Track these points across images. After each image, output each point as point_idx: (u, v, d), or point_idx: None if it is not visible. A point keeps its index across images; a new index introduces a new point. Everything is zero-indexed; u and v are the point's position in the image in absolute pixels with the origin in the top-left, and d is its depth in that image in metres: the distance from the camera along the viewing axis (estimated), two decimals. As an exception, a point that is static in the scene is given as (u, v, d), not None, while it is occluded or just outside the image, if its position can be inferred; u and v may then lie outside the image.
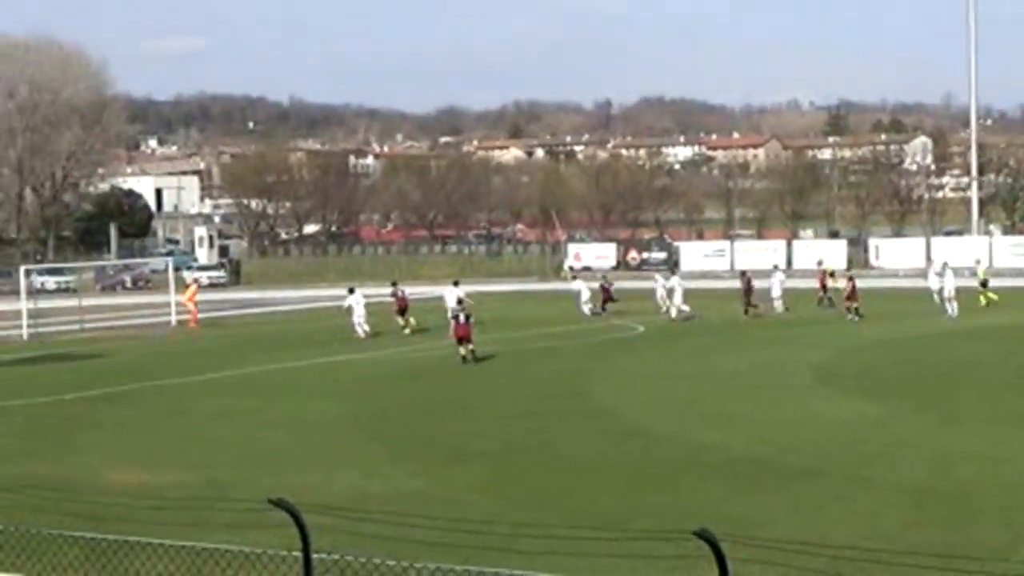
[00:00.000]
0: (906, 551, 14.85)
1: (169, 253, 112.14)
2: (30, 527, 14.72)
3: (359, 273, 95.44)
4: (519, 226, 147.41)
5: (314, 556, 10.22)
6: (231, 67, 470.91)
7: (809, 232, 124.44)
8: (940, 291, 57.63)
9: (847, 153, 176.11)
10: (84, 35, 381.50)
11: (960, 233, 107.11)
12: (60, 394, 37.59)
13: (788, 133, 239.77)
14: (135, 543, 16.16)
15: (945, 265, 59.18)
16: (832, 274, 64.25)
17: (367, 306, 54.79)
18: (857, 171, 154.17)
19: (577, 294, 63.69)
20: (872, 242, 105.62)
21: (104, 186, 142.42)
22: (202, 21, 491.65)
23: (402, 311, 56.14)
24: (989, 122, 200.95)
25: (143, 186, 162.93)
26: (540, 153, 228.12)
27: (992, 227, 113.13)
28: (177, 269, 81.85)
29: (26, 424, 32.23)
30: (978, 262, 65.62)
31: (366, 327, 53.54)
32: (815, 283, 64.15)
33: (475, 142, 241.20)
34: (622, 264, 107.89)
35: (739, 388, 34.85)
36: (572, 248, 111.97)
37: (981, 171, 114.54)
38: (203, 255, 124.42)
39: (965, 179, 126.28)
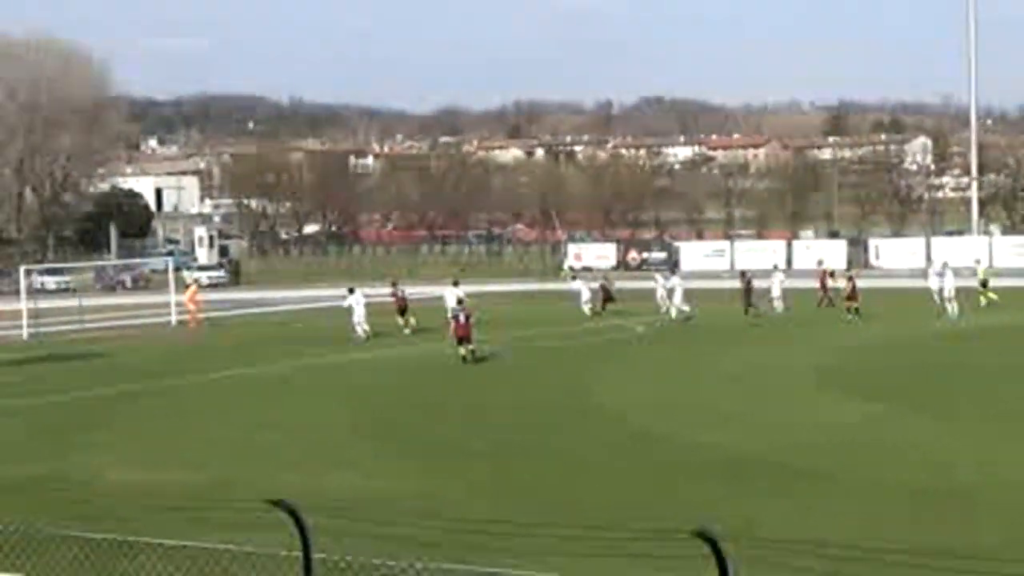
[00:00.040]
0: (907, 551, 14.84)
1: (169, 253, 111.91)
2: (30, 527, 14.73)
3: (359, 273, 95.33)
4: (519, 226, 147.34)
5: (315, 556, 10.22)
6: (231, 67, 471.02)
7: (809, 232, 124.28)
8: (940, 291, 57.59)
9: (847, 153, 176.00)
10: (85, 35, 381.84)
11: (960, 233, 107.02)
12: (60, 394, 37.59)
13: (788, 133, 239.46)
14: (135, 543, 16.17)
15: (945, 265, 59.13)
16: (832, 274, 64.21)
17: (367, 306, 54.77)
18: (857, 171, 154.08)
19: (577, 294, 63.80)
20: (872, 242, 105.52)
21: (104, 186, 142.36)
22: (202, 21, 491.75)
23: (402, 311, 56.17)
24: (989, 122, 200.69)
25: (143, 186, 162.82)
26: (540, 153, 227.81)
27: (992, 227, 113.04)
28: (177, 269, 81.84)
29: (26, 424, 32.24)
30: (978, 262, 65.58)
31: (366, 327, 53.51)
32: (815, 283, 64.11)
33: (475, 142, 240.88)
34: (622, 264, 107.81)
35: (739, 388, 34.85)
36: (572, 248, 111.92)
37: (981, 171, 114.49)
38: (203, 255, 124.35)
39: (965, 179, 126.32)
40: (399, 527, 15.02)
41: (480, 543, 13.99)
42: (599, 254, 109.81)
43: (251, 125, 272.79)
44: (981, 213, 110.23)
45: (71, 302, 70.52)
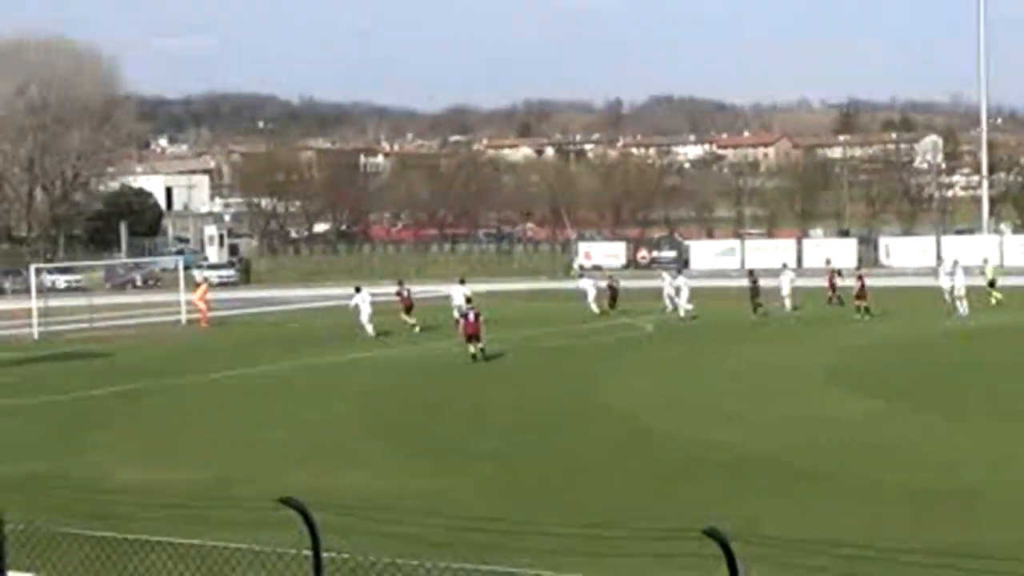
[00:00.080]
0: (914, 550, 14.85)
1: (179, 252, 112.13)
2: (40, 526, 14.76)
3: (369, 272, 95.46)
4: (529, 225, 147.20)
5: (324, 554, 10.24)
6: (241, 66, 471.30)
7: (819, 231, 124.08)
8: (951, 290, 57.51)
9: (857, 152, 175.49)
10: (95, 34, 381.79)
11: (971, 232, 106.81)
12: (69, 393, 37.65)
13: (798, 132, 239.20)
14: (144, 542, 16.20)
15: (956, 264, 59.02)
16: (839, 273, 64.16)
17: (374, 305, 54.94)
18: (867, 170, 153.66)
19: (584, 293, 63.89)
20: (882, 241, 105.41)
21: (114, 185, 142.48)
22: (212, 20, 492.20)
23: (408, 310, 56.38)
24: (999, 121, 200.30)
25: (153, 185, 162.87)
26: (550, 152, 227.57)
27: (1003, 226, 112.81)
28: (187, 268, 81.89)
29: (34, 423, 32.30)
30: (986, 261, 65.43)
31: (372, 326, 53.67)
32: (824, 282, 64.07)
33: (485, 141, 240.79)
34: (632, 263, 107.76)
35: (748, 387, 34.85)
36: (582, 247, 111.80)
37: (991, 170, 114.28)
38: (213, 254, 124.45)
39: (975, 178, 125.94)
40: (407, 526, 15.05)
41: (489, 542, 14.01)
42: (609, 253, 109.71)
43: (261, 124, 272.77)
44: (991, 212, 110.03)
45: (81, 301, 70.61)
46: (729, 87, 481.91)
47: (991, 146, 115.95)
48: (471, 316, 44.04)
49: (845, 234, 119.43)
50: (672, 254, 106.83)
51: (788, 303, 60.82)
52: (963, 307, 55.68)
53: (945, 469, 22.79)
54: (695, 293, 60.89)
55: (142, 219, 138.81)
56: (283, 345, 51.37)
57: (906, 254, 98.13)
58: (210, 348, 52.18)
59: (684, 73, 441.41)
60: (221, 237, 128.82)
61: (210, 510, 16.73)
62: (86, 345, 54.35)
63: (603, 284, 64.52)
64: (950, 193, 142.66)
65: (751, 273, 62.38)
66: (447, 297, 59.82)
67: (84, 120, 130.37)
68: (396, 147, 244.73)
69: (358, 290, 55.52)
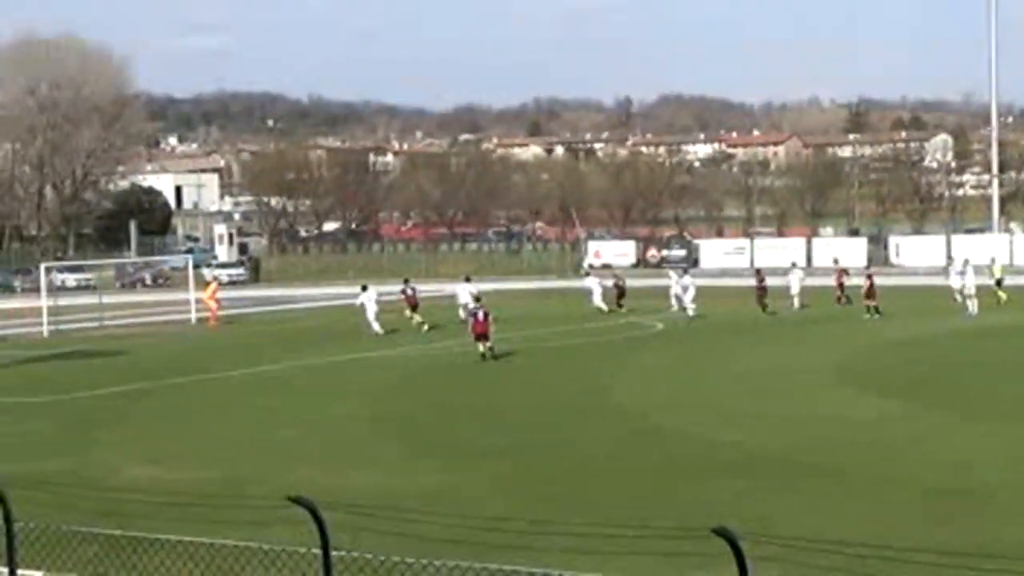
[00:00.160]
0: (928, 550, 14.80)
1: (189, 251, 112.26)
2: (50, 524, 14.75)
3: (379, 271, 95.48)
4: (538, 224, 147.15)
5: (333, 553, 10.22)
6: (251, 65, 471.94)
7: (829, 230, 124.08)
8: (961, 289, 57.43)
9: (867, 151, 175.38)
10: (105, 33, 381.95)
11: (981, 231, 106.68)
12: (79, 391, 37.68)
13: (808, 130, 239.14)
14: (154, 540, 16.19)
15: (966, 263, 58.92)
16: (846, 272, 64.14)
17: (381, 303, 55.14)
18: (877, 168, 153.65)
19: (589, 291, 63.99)
20: (892, 240, 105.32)
21: (124, 184, 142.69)
22: (222, 19, 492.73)
23: (413, 308, 56.67)
24: (1010, 119, 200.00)
25: (163, 184, 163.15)
26: (560, 151, 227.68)
27: (1013, 225, 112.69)
28: (197, 267, 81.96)
29: (45, 421, 32.32)
30: (993, 260, 65.33)
31: (379, 324, 53.86)
32: (832, 281, 64.02)
33: (495, 140, 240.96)
34: (642, 262, 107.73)
35: (758, 386, 34.81)
36: (592, 246, 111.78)
37: (1002, 169, 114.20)
38: (223, 252, 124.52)
39: (986, 177, 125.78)
40: (418, 524, 15.01)
41: (501, 541, 13.97)
42: (618, 252, 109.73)
43: (271, 123, 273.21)
44: (1002, 211, 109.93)
45: (91, 299, 70.68)
46: (739, 86, 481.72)
47: (1002, 145, 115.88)
48: (480, 315, 44.01)
49: (855, 233, 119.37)
50: (682, 253, 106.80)
51: (796, 302, 60.83)
52: (973, 306, 55.58)
53: (958, 468, 22.73)
54: (704, 292, 60.86)
55: (152, 218, 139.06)
56: (292, 344, 51.41)
57: (916, 253, 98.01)
58: (220, 347, 52.20)
59: (694, 72, 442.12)
60: (231, 236, 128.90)
61: (219, 509, 16.70)
62: (96, 344, 54.40)
63: (609, 283, 64.51)
64: (960, 192, 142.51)
65: (758, 272, 62.39)
66: (453, 296, 59.97)
67: (94, 119, 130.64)
68: (406, 146, 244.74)
69: (364, 288, 55.76)
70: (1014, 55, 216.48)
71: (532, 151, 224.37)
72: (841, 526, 18.00)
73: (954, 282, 59.34)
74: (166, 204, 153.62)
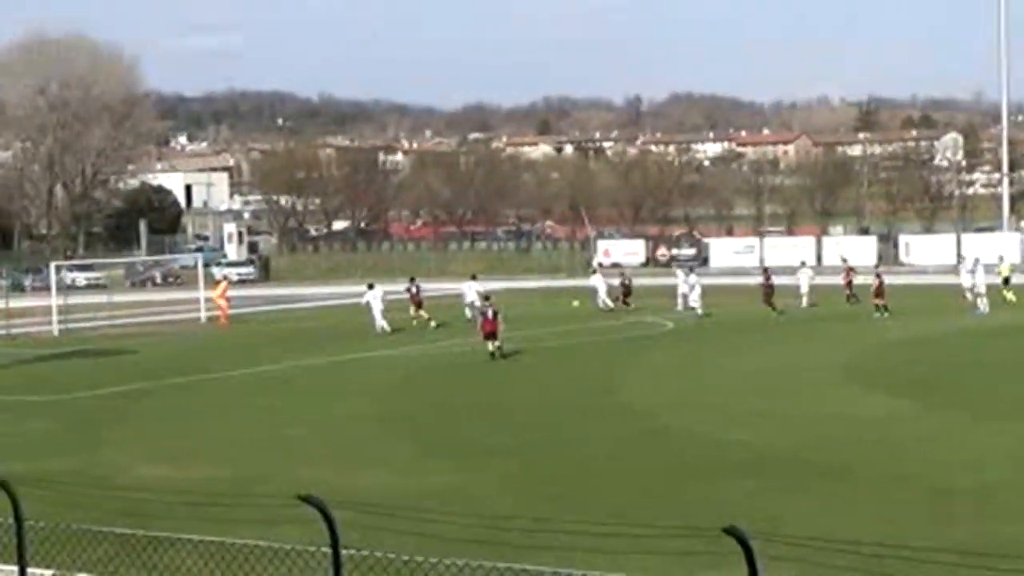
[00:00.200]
0: (940, 549, 14.77)
1: (199, 249, 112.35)
2: (61, 522, 14.77)
3: (388, 269, 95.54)
4: (548, 222, 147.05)
5: (343, 552, 10.23)
6: (260, 64, 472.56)
7: (839, 229, 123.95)
8: (972, 288, 57.35)
9: (877, 149, 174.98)
10: (115, 32, 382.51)
11: (991, 229, 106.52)
12: (89, 390, 37.73)
13: (818, 129, 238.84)
14: (164, 539, 16.21)
15: (977, 261, 58.85)
16: (853, 270, 64.12)
17: (387, 302, 55.31)
18: (887, 167, 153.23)
19: (594, 290, 64.12)
20: (902, 239, 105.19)
21: (134, 182, 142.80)
22: (232, 18, 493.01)
23: (418, 307, 56.91)
24: (1020, 118, 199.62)
25: (173, 182, 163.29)
26: (569, 149, 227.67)
27: (1023, 223, 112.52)
28: (207, 265, 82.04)
29: (54, 419, 32.36)
30: (1001, 258, 65.21)
31: (384, 324, 53.99)
32: (842, 280, 63.99)
33: (504, 138, 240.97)
34: (651, 260, 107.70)
35: (766, 385, 34.78)
36: (601, 244, 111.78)
37: (1012, 167, 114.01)
38: (232, 251, 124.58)
39: (996, 175, 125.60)
40: (427, 523, 15.00)
41: (509, 540, 13.97)
42: (628, 250, 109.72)
43: (280, 121, 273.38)
44: (1012, 209, 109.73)
45: (101, 298, 70.77)
46: (749, 85, 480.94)
47: (1012, 144, 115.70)
48: (489, 314, 44.00)
49: (865, 232, 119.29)
50: (691, 252, 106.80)
51: (805, 301, 60.84)
52: (983, 305, 55.50)
53: (968, 467, 22.69)
54: (714, 291, 60.91)
55: (162, 217, 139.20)
56: (300, 343, 51.47)
57: (926, 252, 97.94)
58: (228, 346, 52.24)
59: (704, 70, 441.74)
60: (240, 235, 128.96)
61: (229, 507, 16.71)
62: (105, 343, 54.49)
63: (615, 282, 64.55)
64: (970, 191, 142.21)
65: (765, 271, 62.30)
66: (460, 295, 60.11)
67: (104, 118, 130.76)
68: (415, 145, 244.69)
69: (371, 287, 55.89)
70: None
71: (542, 150, 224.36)
72: (852, 525, 17.98)
73: (964, 280, 59.26)
74: (176, 203, 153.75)
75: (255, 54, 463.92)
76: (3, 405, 35.44)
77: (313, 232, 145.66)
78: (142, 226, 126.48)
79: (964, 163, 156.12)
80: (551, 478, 22.96)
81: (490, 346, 43.11)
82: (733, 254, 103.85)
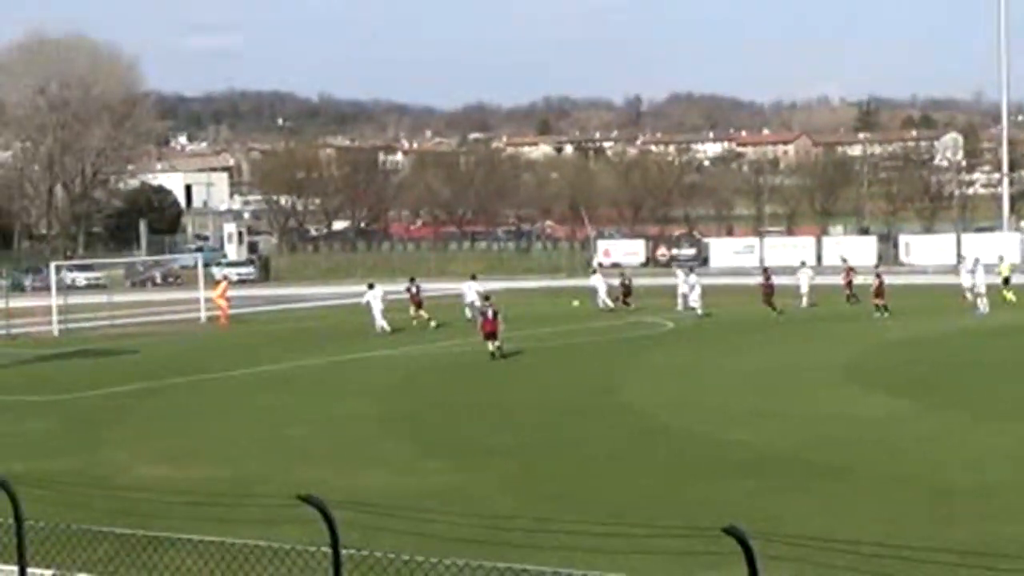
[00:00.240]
0: (940, 549, 14.78)
1: (199, 249, 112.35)
2: (61, 522, 14.77)
3: (388, 269, 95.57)
4: (548, 222, 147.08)
5: (343, 552, 10.23)
6: (260, 64, 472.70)
7: (839, 229, 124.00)
8: (972, 287, 57.35)
9: (877, 149, 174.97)
10: (114, 32, 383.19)
11: (991, 229, 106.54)
12: (89, 390, 37.74)
13: (818, 129, 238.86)
14: (164, 539, 16.21)
15: (977, 261, 58.86)
16: (853, 270, 64.14)
17: (387, 302, 55.34)
18: (887, 167, 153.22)
19: (594, 289, 64.18)
20: (902, 239, 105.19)
21: (134, 182, 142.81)
22: (232, 18, 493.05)
23: (417, 307, 56.99)
24: (1020, 118, 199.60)
25: (173, 182, 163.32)
26: (569, 149, 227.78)
27: (1023, 223, 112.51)
28: (207, 265, 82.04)
29: (54, 419, 32.37)
30: (1001, 258, 65.21)
31: (384, 324, 54.03)
32: (841, 280, 64.01)
33: (504, 138, 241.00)
34: (651, 260, 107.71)
35: (767, 385, 34.78)
36: (601, 244, 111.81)
37: (1012, 167, 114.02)
38: (232, 251, 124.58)
39: (996, 175, 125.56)
40: (427, 523, 15.01)
41: (510, 539, 13.98)
42: (628, 250, 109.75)
43: (280, 121, 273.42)
44: (1012, 209, 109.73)
45: (101, 298, 70.76)
46: (749, 85, 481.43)
47: (1012, 143, 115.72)
48: (489, 314, 44.01)
49: (865, 232, 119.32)
50: (691, 252, 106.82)
51: (805, 301, 60.86)
52: (983, 305, 55.49)
53: (968, 467, 22.69)
54: (714, 291, 60.90)
55: (162, 217, 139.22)
56: (300, 343, 51.50)
57: (926, 252, 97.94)
58: (228, 346, 52.25)
59: (703, 70, 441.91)
60: (240, 235, 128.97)
61: (229, 507, 16.72)
62: (105, 343, 54.51)
63: (615, 282, 64.58)
64: (970, 191, 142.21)
65: (765, 271, 62.27)
66: (460, 295, 60.17)
67: (104, 118, 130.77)
68: (415, 145, 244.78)
69: (371, 287, 55.94)
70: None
71: (542, 150, 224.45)
72: (852, 525, 17.99)
73: (964, 280, 59.26)
74: (176, 203, 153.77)
75: (255, 54, 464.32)
76: (3, 405, 35.46)
77: (313, 232, 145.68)
78: (142, 226, 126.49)
79: (964, 163, 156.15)
80: (551, 478, 22.96)
81: (490, 346, 43.12)
82: (733, 254, 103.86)
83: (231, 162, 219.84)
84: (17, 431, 30.64)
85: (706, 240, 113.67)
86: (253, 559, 13.81)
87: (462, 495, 21.12)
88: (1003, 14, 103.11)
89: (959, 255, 77.63)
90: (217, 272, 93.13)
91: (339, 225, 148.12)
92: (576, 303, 65.15)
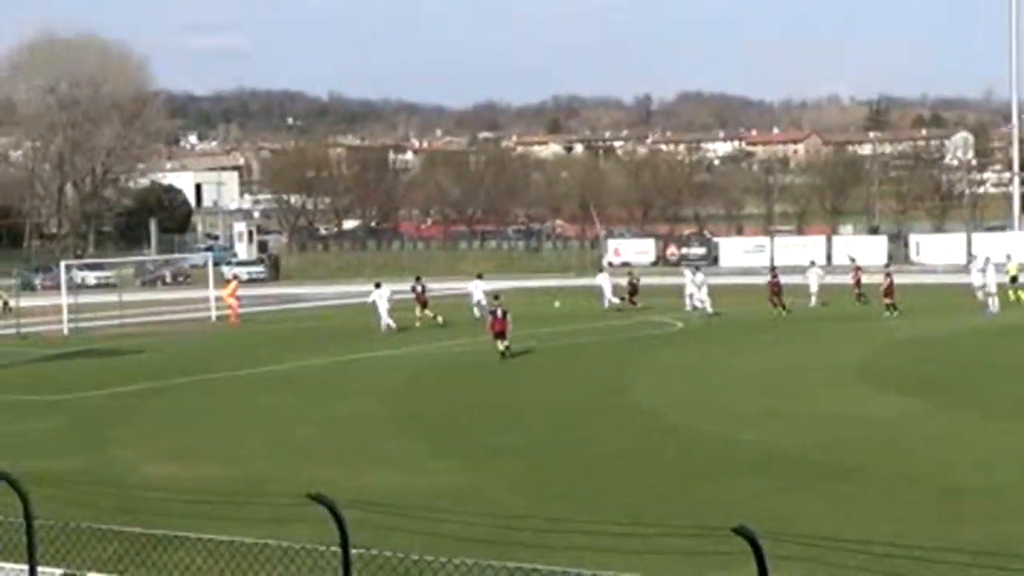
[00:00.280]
0: (947, 549, 14.74)
1: (209, 248, 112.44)
2: (70, 521, 14.77)
3: (398, 268, 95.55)
4: (558, 221, 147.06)
5: (352, 551, 10.22)
6: (270, 62, 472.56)
7: (849, 228, 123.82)
8: (982, 287, 57.22)
9: (887, 148, 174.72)
10: (124, 31, 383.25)
11: (1002, 229, 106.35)
12: (98, 389, 37.76)
13: (828, 128, 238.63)
14: (173, 538, 16.21)
15: (987, 261, 58.74)
16: (861, 269, 64.04)
17: (393, 301, 55.37)
18: (898, 166, 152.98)
19: (600, 288, 64.16)
20: (913, 238, 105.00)
21: (144, 181, 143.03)
22: (242, 17, 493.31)
23: (423, 305, 57.01)
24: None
25: (183, 181, 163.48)
26: (579, 148, 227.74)
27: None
28: (217, 264, 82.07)
29: (63, 418, 32.39)
30: (1009, 257, 65.06)
31: (390, 321, 54.07)
32: (850, 279, 63.90)
33: (514, 137, 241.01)
34: (661, 259, 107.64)
35: (776, 385, 34.73)
36: (611, 243, 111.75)
37: (1023, 166, 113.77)
38: (242, 250, 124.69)
39: (1007, 174, 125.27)
40: (436, 523, 15.00)
41: (520, 539, 13.96)
42: (638, 249, 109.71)
43: (290, 120, 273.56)
44: (1022, 208, 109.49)
45: (111, 297, 70.79)
46: (759, 83, 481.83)
47: (1022, 142, 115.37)
48: (499, 313, 44.00)
49: (875, 231, 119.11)
50: (701, 251, 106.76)
51: (814, 300, 60.78)
52: (994, 304, 55.38)
53: (978, 467, 22.64)
54: (724, 291, 60.80)
55: (172, 216, 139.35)
56: (311, 342, 51.51)
57: (936, 251, 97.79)
58: (239, 345, 52.26)
59: (714, 70, 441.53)
60: (250, 233, 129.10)
61: (239, 506, 16.72)
62: (115, 342, 54.53)
63: (623, 282, 64.56)
64: (981, 190, 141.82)
65: (773, 271, 62.13)
66: (468, 295, 60.17)
67: (114, 117, 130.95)
68: (425, 144, 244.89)
69: (378, 286, 55.98)
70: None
71: (552, 149, 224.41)
72: (862, 525, 17.95)
73: (975, 279, 59.14)
74: (186, 202, 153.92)
75: (265, 53, 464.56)
76: (13, 404, 35.49)
77: (323, 231, 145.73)
78: (152, 225, 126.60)
79: (974, 162, 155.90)
80: (560, 477, 22.94)
81: (500, 345, 43.10)
82: (743, 253, 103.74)
83: (241, 161, 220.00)
84: (25, 430, 30.65)
85: (716, 239, 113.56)
86: (263, 558, 13.81)
87: (471, 495, 21.10)
88: (1013, 12, 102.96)
89: (969, 254, 77.54)
90: (227, 271, 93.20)
91: (349, 224, 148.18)
92: (557, 304, 64.91)
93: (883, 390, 33.08)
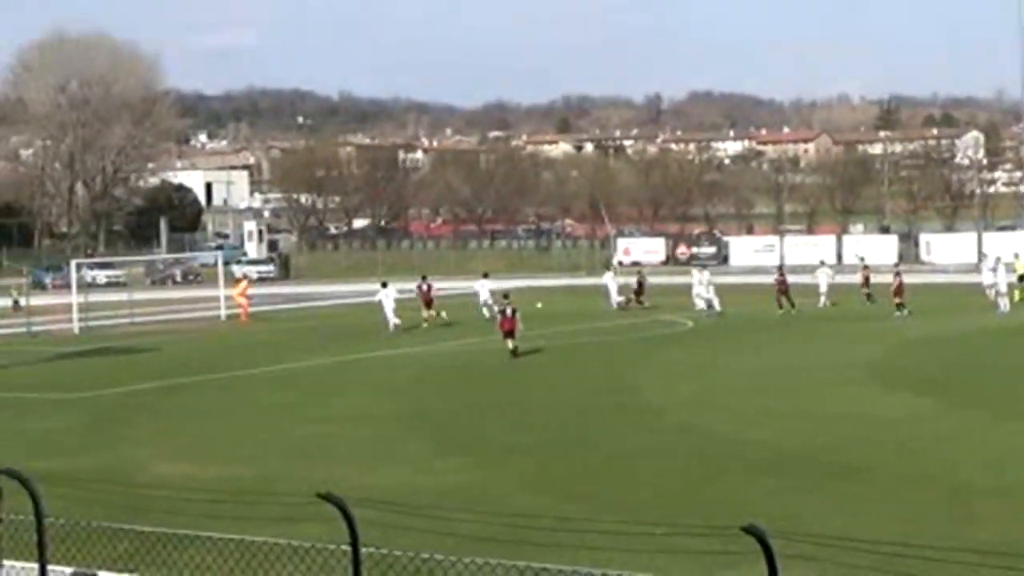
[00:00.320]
0: (957, 549, 14.73)
1: (219, 247, 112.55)
2: (81, 519, 14.79)
3: (408, 268, 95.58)
4: (568, 221, 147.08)
5: (362, 550, 10.22)
6: (280, 61, 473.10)
7: (859, 227, 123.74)
8: (993, 286, 57.14)
9: (898, 148, 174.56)
10: (134, 31, 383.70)
11: (1012, 228, 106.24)
12: (109, 388, 37.81)
13: (838, 127, 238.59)
14: (184, 536, 16.22)
15: (998, 260, 58.67)
16: (868, 268, 64.01)
17: (399, 300, 55.42)
18: (908, 166, 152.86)
19: (606, 287, 64.17)
20: (923, 237, 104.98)
21: (154, 180, 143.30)
22: (251, 16, 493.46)
23: (428, 304, 57.00)
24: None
25: (193, 180, 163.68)
26: (589, 148, 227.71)
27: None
28: (227, 263, 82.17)
29: (74, 417, 32.43)
30: (1016, 256, 64.97)
31: (397, 321, 54.10)
32: (858, 279, 63.85)
33: (524, 136, 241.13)
34: (671, 259, 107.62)
35: (786, 384, 34.69)
36: (621, 243, 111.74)
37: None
38: (252, 249, 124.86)
39: (1017, 173, 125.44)
40: (446, 521, 15.01)
41: (530, 538, 13.96)
42: (648, 249, 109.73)
43: (300, 120, 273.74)
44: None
45: (121, 296, 70.93)
46: (769, 83, 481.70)
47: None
48: (508, 312, 44.01)
49: (885, 231, 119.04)
50: (711, 250, 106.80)
51: (823, 300, 60.73)
52: (1004, 304, 55.31)
53: (989, 467, 22.61)
54: (734, 290, 60.80)
55: (182, 214, 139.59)
56: (321, 341, 51.55)
57: (947, 250, 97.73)
58: (250, 344, 52.30)
59: (723, 69, 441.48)
60: (260, 233, 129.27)
61: (250, 505, 16.73)
62: (125, 340, 54.62)
63: (629, 281, 64.55)
64: (992, 189, 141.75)
65: (779, 270, 62.04)
66: (475, 294, 60.20)
67: (124, 116, 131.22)
68: (435, 143, 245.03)
69: (384, 285, 56.03)
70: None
71: (561, 148, 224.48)
72: (872, 525, 17.94)
73: (986, 279, 59.07)
74: (196, 201, 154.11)
75: (275, 52, 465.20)
76: (23, 403, 35.57)
77: (333, 230, 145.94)
78: (162, 224, 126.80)
79: (985, 161, 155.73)
80: (569, 476, 22.94)
81: (509, 344, 43.11)
82: (753, 253, 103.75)
83: (251, 160, 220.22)
84: (37, 428, 30.70)
85: (726, 239, 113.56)
86: (272, 557, 13.82)
87: (481, 494, 21.11)
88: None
89: (980, 254, 77.44)
90: (237, 270, 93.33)
91: (359, 223, 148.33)
92: (539, 305, 64.63)
93: (893, 390, 33.04)
